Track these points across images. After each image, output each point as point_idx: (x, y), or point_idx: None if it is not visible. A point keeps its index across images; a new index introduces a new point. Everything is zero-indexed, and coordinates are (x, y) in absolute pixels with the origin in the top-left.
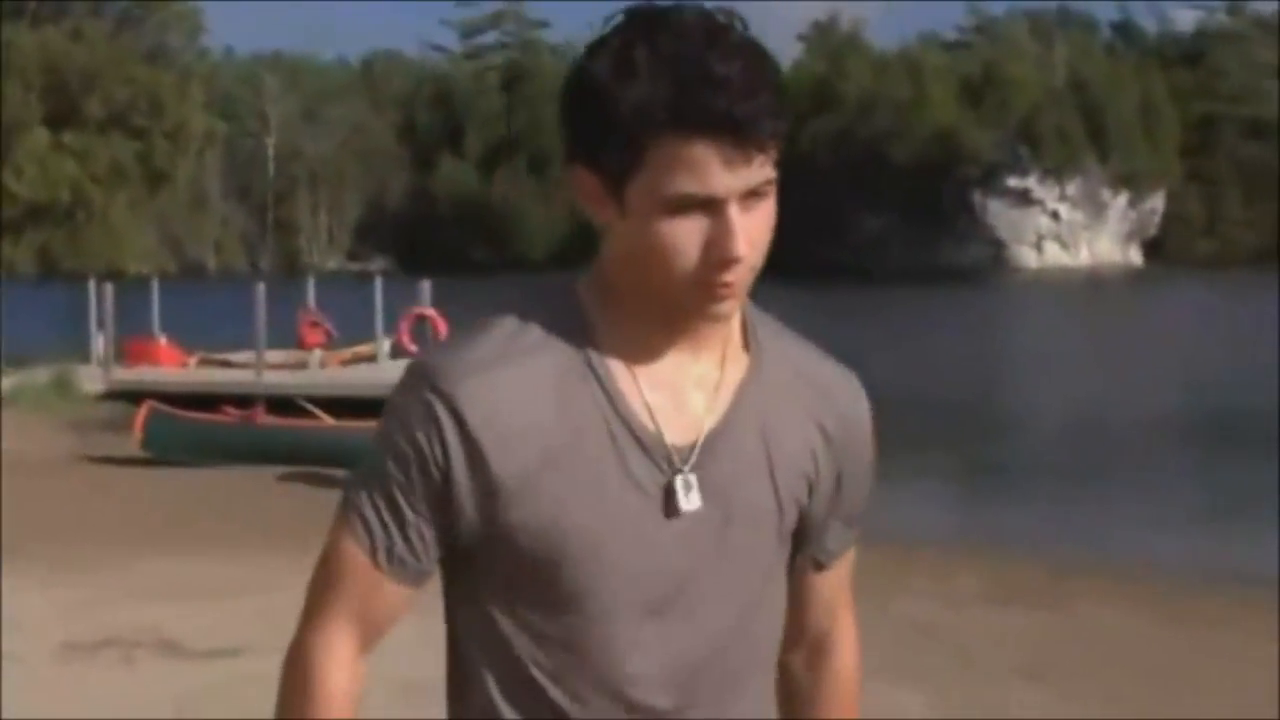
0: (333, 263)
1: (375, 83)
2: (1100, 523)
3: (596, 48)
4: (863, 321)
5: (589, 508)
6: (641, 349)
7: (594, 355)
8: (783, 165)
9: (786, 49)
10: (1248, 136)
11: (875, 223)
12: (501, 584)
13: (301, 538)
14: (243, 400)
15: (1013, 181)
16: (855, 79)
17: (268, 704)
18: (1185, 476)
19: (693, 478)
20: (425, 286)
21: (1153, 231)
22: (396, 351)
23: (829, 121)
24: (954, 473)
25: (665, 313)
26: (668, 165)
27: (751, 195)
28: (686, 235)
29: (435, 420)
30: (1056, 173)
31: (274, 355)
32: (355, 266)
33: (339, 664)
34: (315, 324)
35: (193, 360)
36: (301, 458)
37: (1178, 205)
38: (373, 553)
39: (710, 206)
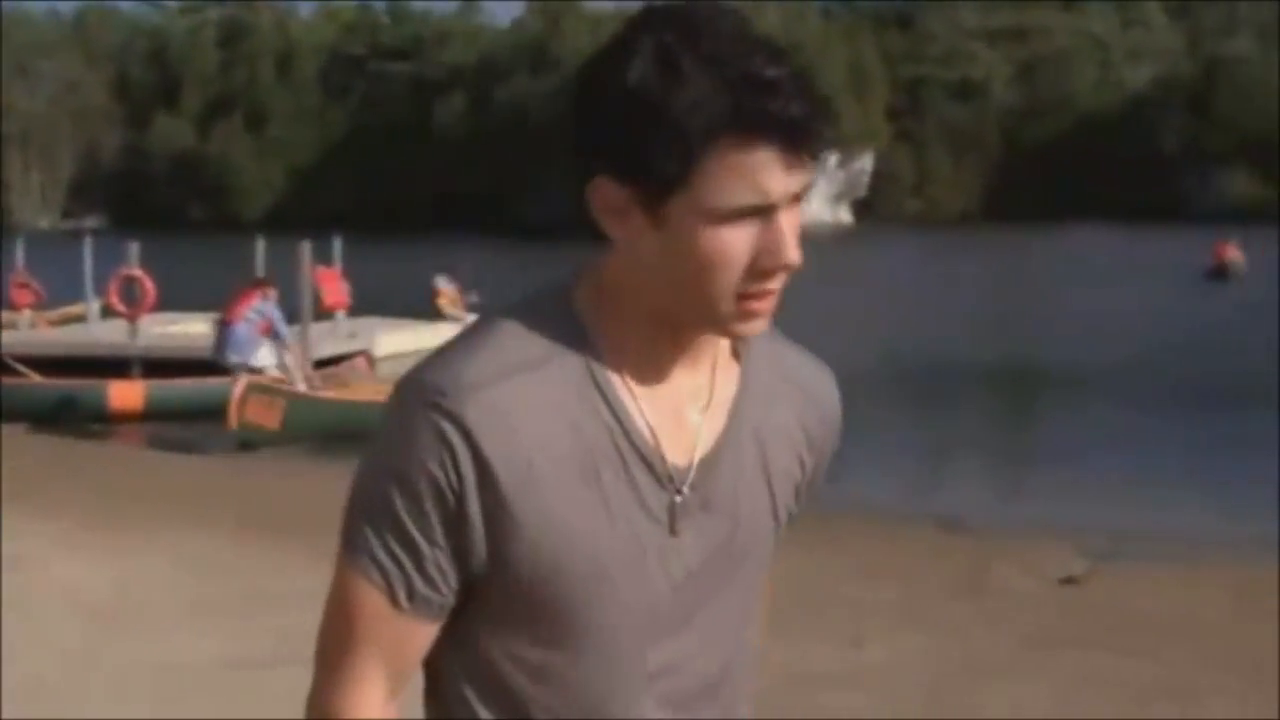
0: (45, 221)
1: (89, 37)
2: None
3: (619, 52)
4: None
5: (597, 530)
6: (642, 364)
7: (597, 369)
8: (493, 123)
9: (510, 9)
10: (955, 99)
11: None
12: (499, 615)
13: (19, 492)
14: None
15: None
16: (571, 39)
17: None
18: (883, 422)
19: (694, 498)
20: (133, 248)
21: (862, 191)
22: (106, 312)
23: (544, 82)
24: None
25: (674, 328)
26: (725, 173)
27: (794, 199)
28: (740, 245)
29: (446, 442)
30: None
31: None
32: (69, 225)
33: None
34: (24, 285)
35: None
36: (12, 414)
37: (886, 165)
38: (391, 594)
39: (762, 213)
